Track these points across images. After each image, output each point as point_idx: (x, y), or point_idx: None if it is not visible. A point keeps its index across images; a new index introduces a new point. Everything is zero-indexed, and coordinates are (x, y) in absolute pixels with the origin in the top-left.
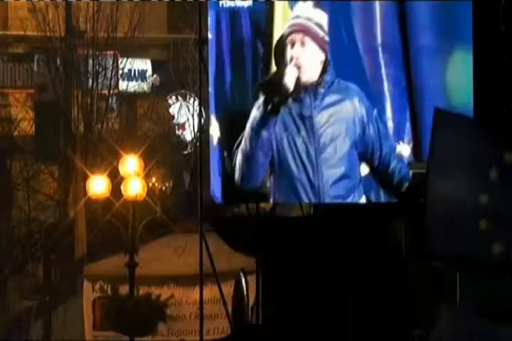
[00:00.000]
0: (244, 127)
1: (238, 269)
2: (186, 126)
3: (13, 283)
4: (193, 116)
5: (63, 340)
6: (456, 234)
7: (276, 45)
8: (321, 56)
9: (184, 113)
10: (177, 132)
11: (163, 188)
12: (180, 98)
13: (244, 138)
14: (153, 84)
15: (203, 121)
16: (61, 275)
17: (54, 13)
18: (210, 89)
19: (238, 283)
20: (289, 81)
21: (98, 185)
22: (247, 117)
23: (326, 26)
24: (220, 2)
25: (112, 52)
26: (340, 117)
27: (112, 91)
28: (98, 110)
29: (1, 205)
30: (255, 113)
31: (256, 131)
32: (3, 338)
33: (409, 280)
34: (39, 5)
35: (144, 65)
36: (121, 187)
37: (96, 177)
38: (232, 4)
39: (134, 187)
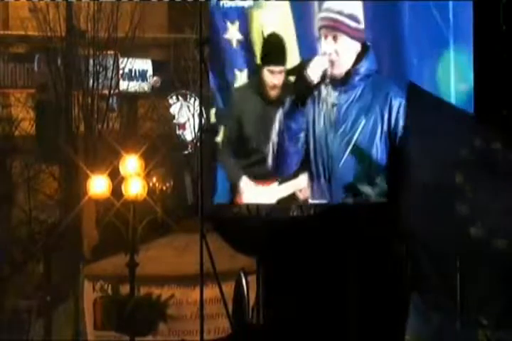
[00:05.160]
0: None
1: (239, 269)
2: (187, 125)
3: (13, 283)
4: (193, 115)
5: (63, 340)
6: (433, 213)
7: (303, 37)
8: (356, 46)
9: (184, 113)
10: (177, 132)
11: (164, 188)
12: (180, 98)
13: (274, 131)
14: (153, 84)
15: (203, 120)
16: (61, 275)
17: (55, 12)
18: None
19: (239, 283)
20: (315, 73)
21: (99, 185)
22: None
23: (360, 15)
24: (221, 2)
25: (112, 52)
26: (368, 110)
27: (112, 91)
28: (99, 110)
29: (2, 205)
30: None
31: (284, 123)
32: (3, 338)
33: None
34: (40, 5)
35: (145, 64)
36: (122, 187)
37: (96, 177)
38: (232, 4)
39: (135, 187)
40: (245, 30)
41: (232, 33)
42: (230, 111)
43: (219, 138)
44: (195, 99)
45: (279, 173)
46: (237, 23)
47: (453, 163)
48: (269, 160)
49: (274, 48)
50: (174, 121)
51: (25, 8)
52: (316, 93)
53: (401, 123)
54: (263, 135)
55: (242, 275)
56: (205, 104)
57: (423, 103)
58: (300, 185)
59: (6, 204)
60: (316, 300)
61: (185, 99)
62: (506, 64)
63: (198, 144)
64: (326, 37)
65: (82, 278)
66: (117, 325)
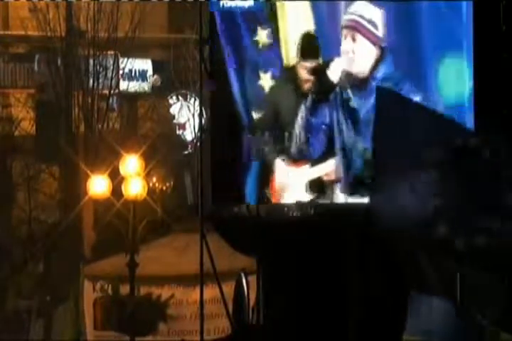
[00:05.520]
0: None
1: (239, 269)
2: (187, 125)
3: (13, 283)
4: (193, 116)
5: (63, 340)
6: (403, 213)
7: (326, 38)
8: (372, 51)
9: (185, 113)
10: (177, 132)
11: (164, 188)
12: (180, 98)
13: (299, 121)
14: (153, 84)
15: (203, 120)
16: (61, 276)
17: (55, 13)
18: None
19: (239, 283)
20: (335, 73)
21: (99, 185)
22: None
23: (379, 23)
24: (221, 2)
25: (112, 52)
26: None
27: (112, 91)
28: (99, 110)
29: (2, 205)
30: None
31: (308, 115)
32: (3, 338)
33: (408, 280)
34: (40, 5)
35: (145, 64)
36: (122, 187)
37: (97, 177)
38: (232, 4)
39: (135, 187)
40: (271, 32)
41: (260, 36)
42: (266, 101)
43: (255, 127)
44: (195, 99)
45: (304, 158)
46: (265, 26)
47: (424, 163)
48: (294, 147)
49: (308, 45)
50: (174, 121)
51: (25, 8)
52: (336, 92)
53: None
54: (295, 123)
55: (242, 275)
56: (205, 103)
57: (394, 105)
58: (327, 169)
59: (6, 204)
60: (316, 300)
61: (185, 99)
62: (506, 64)
63: (198, 144)
64: (345, 37)
65: (82, 278)
66: (117, 325)
